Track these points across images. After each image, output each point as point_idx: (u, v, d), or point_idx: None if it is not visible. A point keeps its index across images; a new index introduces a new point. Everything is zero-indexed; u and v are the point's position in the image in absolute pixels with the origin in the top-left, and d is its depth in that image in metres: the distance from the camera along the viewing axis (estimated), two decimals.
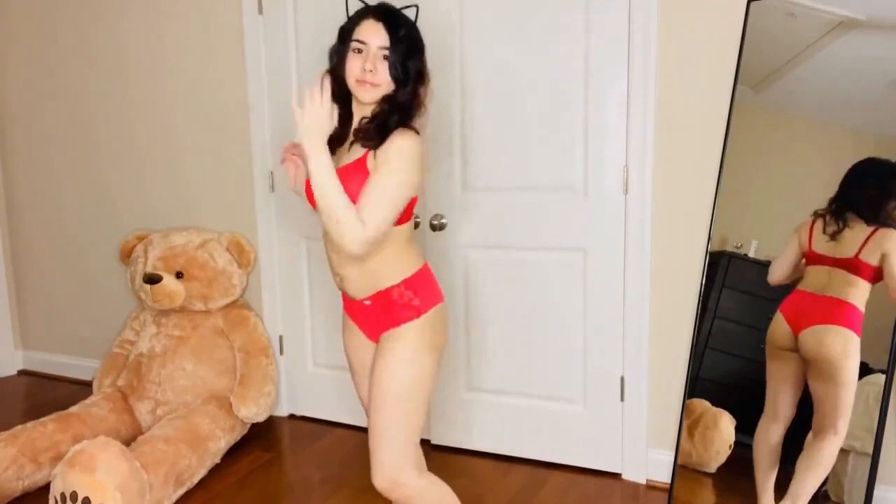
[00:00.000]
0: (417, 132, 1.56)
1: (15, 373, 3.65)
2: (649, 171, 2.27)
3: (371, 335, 1.68)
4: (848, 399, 1.90)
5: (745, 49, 2.11)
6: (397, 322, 1.59)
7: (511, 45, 2.39)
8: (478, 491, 2.36)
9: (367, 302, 1.63)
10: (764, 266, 2.11)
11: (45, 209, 3.46)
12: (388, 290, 1.59)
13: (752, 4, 2.10)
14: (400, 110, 1.56)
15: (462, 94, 2.46)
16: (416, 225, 2.44)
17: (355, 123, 1.61)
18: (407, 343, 1.58)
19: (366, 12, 1.60)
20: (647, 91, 2.23)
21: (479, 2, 2.42)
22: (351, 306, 1.72)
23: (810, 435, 1.96)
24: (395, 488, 1.58)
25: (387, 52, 1.55)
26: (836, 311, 1.94)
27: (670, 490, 2.23)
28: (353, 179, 1.53)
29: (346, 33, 1.61)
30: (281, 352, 2.99)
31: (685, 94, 2.22)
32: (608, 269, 2.37)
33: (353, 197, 1.50)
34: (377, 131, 1.55)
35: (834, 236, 1.95)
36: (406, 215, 1.58)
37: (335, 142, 1.61)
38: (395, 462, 1.57)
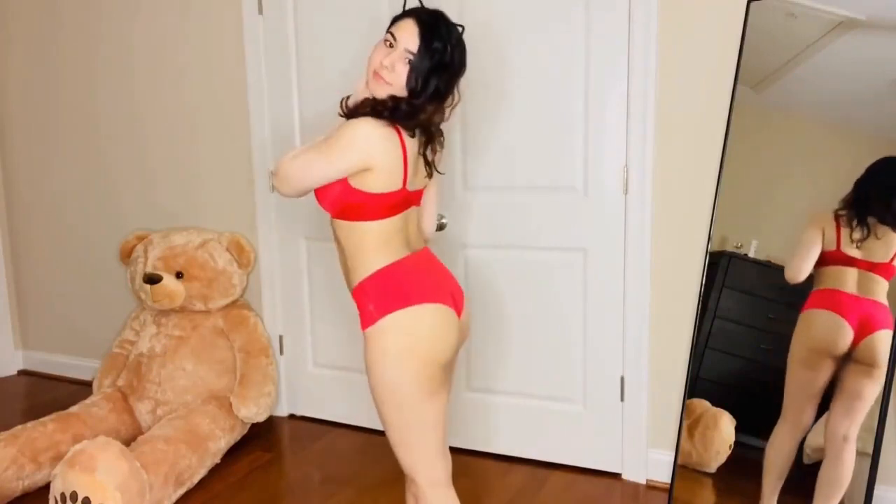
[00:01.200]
0: (376, 119, 1.49)
1: (15, 373, 3.65)
2: (649, 171, 2.27)
3: None
4: (874, 397, 1.89)
5: (745, 49, 2.11)
6: (363, 325, 1.52)
7: (511, 44, 2.39)
8: (478, 491, 2.37)
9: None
10: (764, 266, 2.11)
11: (45, 209, 3.46)
12: (355, 290, 1.57)
13: (752, 4, 2.10)
14: (390, 110, 1.50)
15: (462, 94, 2.45)
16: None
17: None
18: (370, 349, 1.51)
19: (413, 11, 1.56)
20: (647, 91, 2.23)
21: (480, 1, 2.41)
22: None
23: (820, 439, 1.95)
24: (412, 485, 1.60)
25: (411, 57, 1.50)
26: (885, 316, 1.90)
27: (670, 490, 2.23)
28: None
29: (393, 21, 1.58)
30: (281, 352, 2.99)
31: (685, 94, 2.22)
32: (608, 269, 2.37)
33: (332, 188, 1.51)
34: (350, 108, 1.55)
35: (860, 243, 1.93)
36: (375, 212, 1.51)
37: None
38: (407, 461, 1.56)
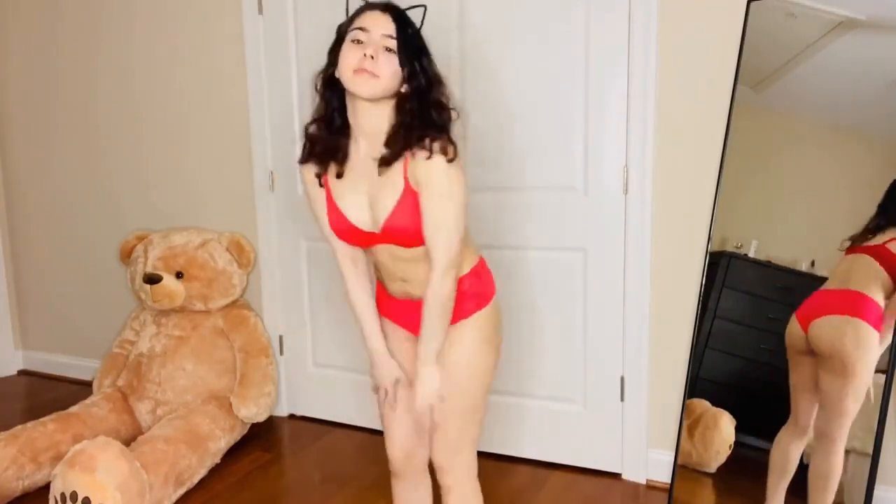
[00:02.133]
0: (453, 142, 1.45)
1: (15, 373, 3.65)
2: (649, 171, 2.27)
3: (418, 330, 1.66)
4: (854, 398, 1.88)
5: (745, 49, 2.11)
6: (467, 313, 1.58)
7: (511, 44, 2.39)
8: None
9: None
10: (764, 266, 2.11)
11: (45, 209, 3.46)
12: (459, 281, 1.55)
13: (752, 4, 2.10)
14: (431, 108, 1.44)
15: (461, 94, 2.45)
16: None
17: (360, 128, 1.48)
18: (467, 338, 1.59)
19: (368, 5, 1.48)
20: (647, 91, 2.23)
21: (480, 2, 2.41)
22: (399, 307, 1.66)
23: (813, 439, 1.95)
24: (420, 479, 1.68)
25: (392, 43, 1.41)
26: (854, 303, 1.90)
27: (670, 490, 2.23)
28: (406, 209, 1.47)
29: (343, 29, 1.48)
30: (281, 352, 2.99)
31: (685, 94, 2.22)
32: (608, 269, 2.37)
33: (412, 221, 1.46)
34: (411, 132, 1.42)
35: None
36: None
37: (330, 154, 1.51)
38: (462, 451, 1.65)
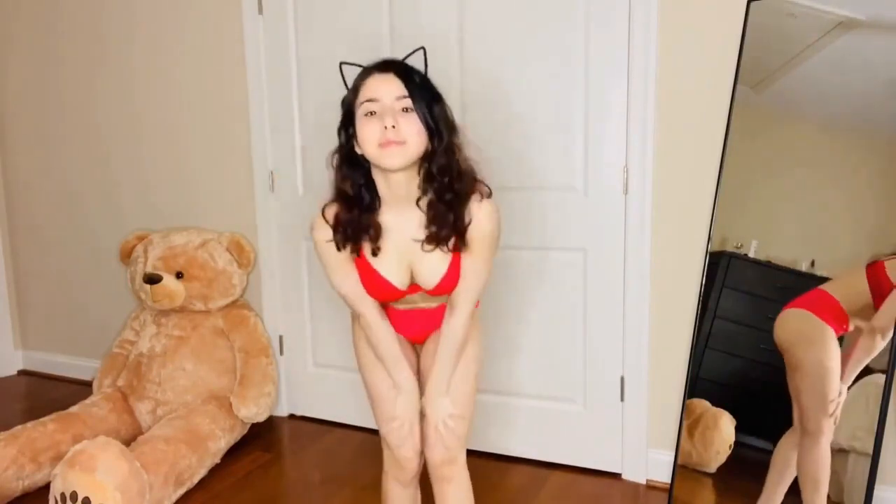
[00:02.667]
0: (490, 191, 1.47)
1: (15, 373, 3.65)
2: (649, 171, 2.27)
3: (418, 337, 1.70)
4: (810, 394, 1.90)
5: (745, 49, 2.11)
6: None
7: (511, 43, 2.39)
8: (478, 491, 2.36)
9: (435, 305, 1.63)
10: (764, 266, 2.11)
11: (45, 209, 3.46)
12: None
13: (752, 4, 2.10)
14: (454, 175, 1.43)
15: (461, 94, 2.46)
16: None
17: (393, 196, 1.48)
18: (473, 328, 1.65)
19: (367, 71, 1.43)
20: (647, 91, 2.23)
21: (480, 2, 2.41)
22: (402, 317, 1.67)
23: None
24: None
25: (407, 104, 1.38)
26: (810, 297, 1.94)
27: (670, 490, 2.23)
28: (455, 270, 1.51)
29: (350, 103, 1.44)
30: (281, 352, 2.99)
31: (685, 94, 2.22)
32: (608, 269, 2.37)
33: (457, 277, 1.51)
34: (450, 226, 1.44)
35: None
36: None
37: (364, 231, 1.48)
38: (462, 438, 1.70)
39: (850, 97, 2.00)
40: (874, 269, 1.87)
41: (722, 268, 2.18)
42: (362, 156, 1.45)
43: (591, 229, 2.38)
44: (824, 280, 1.98)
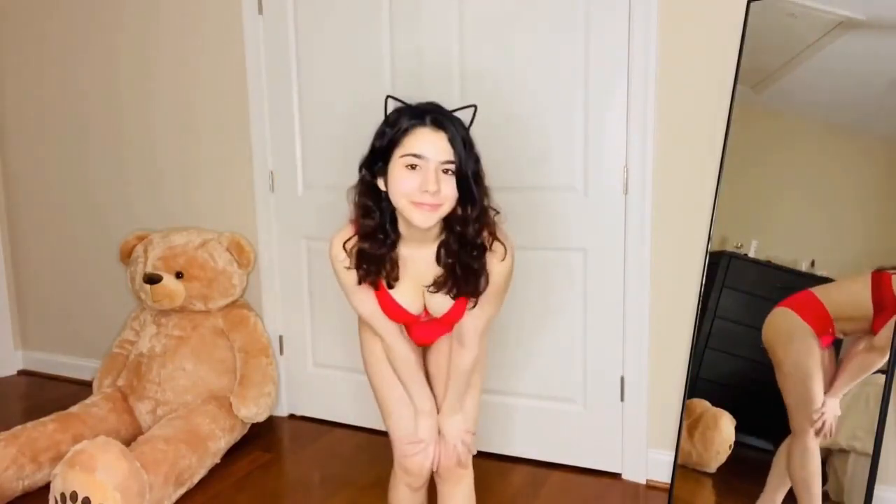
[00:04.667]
0: (505, 239, 1.49)
1: (15, 373, 3.65)
2: (649, 171, 2.27)
3: (427, 341, 1.72)
4: (788, 392, 1.91)
5: (745, 49, 2.11)
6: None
7: (511, 44, 2.39)
8: (478, 491, 2.36)
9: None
10: (764, 266, 2.11)
11: (45, 209, 3.46)
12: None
13: (752, 4, 2.10)
14: (479, 241, 1.44)
15: (462, 93, 2.46)
16: None
17: (412, 238, 1.48)
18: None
19: (418, 120, 1.37)
20: (648, 91, 2.23)
21: (480, 2, 2.41)
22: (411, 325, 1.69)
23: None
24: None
25: (450, 167, 1.36)
26: (796, 297, 1.97)
27: (670, 490, 2.23)
28: (461, 306, 1.54)
29: (390, 141, 1.38)
30: (281, 352, 2.99)
31: (685, 94, 2.22)
32: (608, 269, 2.37)
33: (461, 311, 1.54)
34: (463, 289, 1.47)
35: None
36: None
37: (382, 265, 1.48)
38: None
39: (850, 97, 2.00)
40: (879, 279, 1.86)
41: (722, 268, 2.18)
42: (385, 192, 1.43)
43: (591, 229, 2.37)
44: (824, 280, 1.98)
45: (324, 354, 2.93)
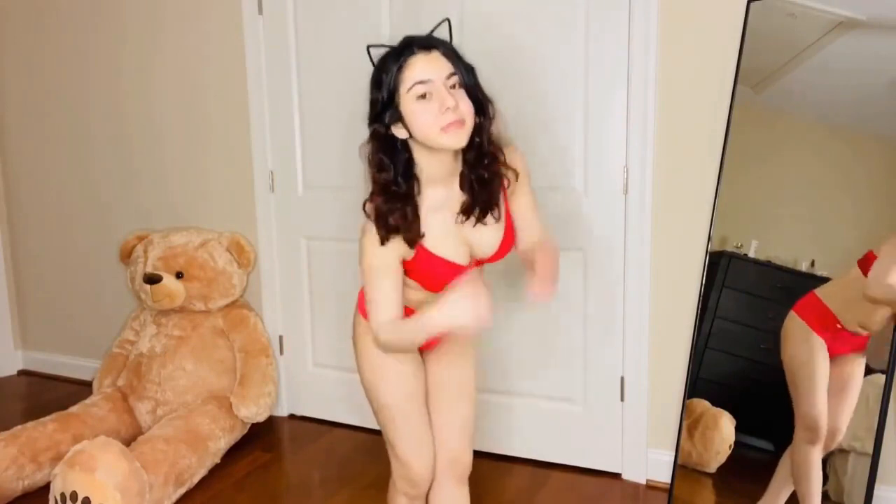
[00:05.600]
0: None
1: (15, 373, 3.64)
2: (649, 171, 2.27)
3: (428, 345, 1.68)
4: (794, 386, 1.93)
5: (745, 49, 2.11)
6: None
7: (510, 45, 2.39)
8: (478, 491, 2.36)
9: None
10: (764, 266, 2.11)
11: (46, 209, 3.46)
12: None
13: (752, 4, 2.10)
14: (496, 144, 1.43)
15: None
16: None
17: (434, 177, 1.43)
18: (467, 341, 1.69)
19: (408, 52, 1.35)
20: (648, 91, 2.23)
21: (480, 2, 2.41)
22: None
23: None
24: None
25: (456, 80, 1.34)
26: (801, 299, 1.98)
27: (670, 490, 2.23)
28: (511, 232, 1.56)
29: (391, 84, 1.34)
30: (281, 352, 2.99)
31: (685, 94, 2.22)
32: (608, 269, 2.37)
33: (511, 238, 1.55)
34: (489, 188, 1.45)
35: None
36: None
37: (405, 219, 1.41)
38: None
39: (850, 97, 2.00)
40: (865, 261, 1.87)
41: (722, 268, 2.18)
42: (402, 141, 1.40)
43: (591, 229, 2.37)
44: (825, 280, 1.98)
45: (324, 354, 2.92)
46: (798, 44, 2.06)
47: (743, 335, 2.15)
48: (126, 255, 2.94)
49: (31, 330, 3.64)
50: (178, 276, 2.74)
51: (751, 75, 2.12)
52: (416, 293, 1.55)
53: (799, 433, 1.92)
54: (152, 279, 2.71)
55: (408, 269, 1.49)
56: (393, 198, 1.41)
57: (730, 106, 2.14)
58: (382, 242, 1.42)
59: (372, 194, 1.44)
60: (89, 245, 3.35)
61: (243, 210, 2.94)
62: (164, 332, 2.78)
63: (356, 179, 2.85)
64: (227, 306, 2.84)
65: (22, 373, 3.65)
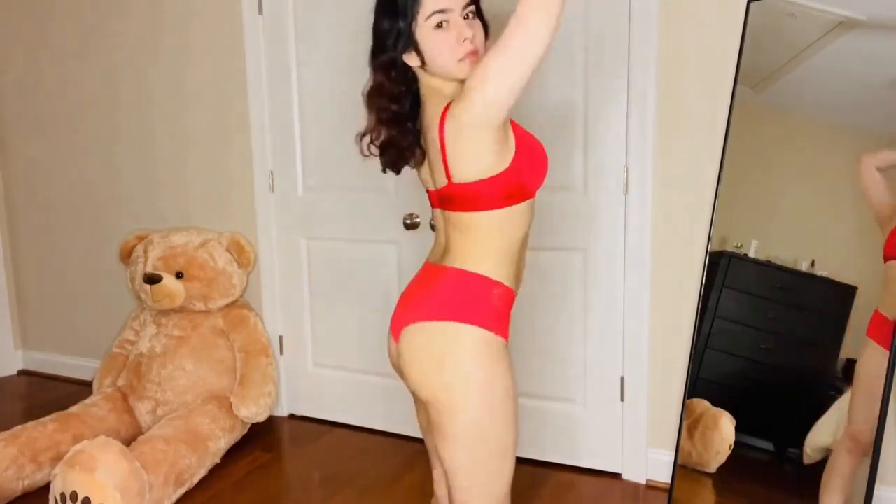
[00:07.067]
0: None
1: (15, 373, 3.65)
2: (649, 171, 2.27)
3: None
4: (857, 403, 1.88)
5: (745, 49, 2.11)
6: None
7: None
8: None
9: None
10: (764, 266, 2.11)
11: (45, 209, 3.46)
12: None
13: (752, 4, 2.10)
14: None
15: None
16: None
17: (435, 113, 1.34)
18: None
19: None
20: (647, 91, 2.23)
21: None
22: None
23: (820, 438, 1.96)
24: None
25: (471, 10, 1.31)
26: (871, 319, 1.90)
27: (670, 490, 2.23)
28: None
29: (410, 14, 1.29)
30: (281, 352, 2.99)
31: (685, 93, 2.22)
32: (608, 269, 2.37)
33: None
34: None
35: None
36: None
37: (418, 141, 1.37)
38: None
39: (850, 97, 2.00)
40: (891, 248, 1.84)
41: (722, 268, 2.18)
42: (412, 71, 1.36)
43: (591, 229, 2.37)
44: (824, 280, 1.98)
45: (324, 354, 2.93)
46: (798, 44, 2.06)
47: (743, 335, 2.14)
48: (126, 255, 2.94)
49: (31, 330, 3.64)
50: (178, 276, 2.74)
51: (751, 75, 2.12)
52: (520, 229, 1.53)
53: (845, 441, 1.90)
54: (152, 279, 2.71)
55: (512, 171, 1.42)
56: (406, 129, 1.39)
57: (730, 106, 2.14)
58: (384, 169, 1.45)
59: (377, 127, 1.41)
60: (89, 245, 3.35)
61: (243, 210, 2.94)
62: (164, 332, 2.78)
63: (356, 179, 2.85)
64: (227, 306, 2.84)
65: (22, 373, 3.65)
